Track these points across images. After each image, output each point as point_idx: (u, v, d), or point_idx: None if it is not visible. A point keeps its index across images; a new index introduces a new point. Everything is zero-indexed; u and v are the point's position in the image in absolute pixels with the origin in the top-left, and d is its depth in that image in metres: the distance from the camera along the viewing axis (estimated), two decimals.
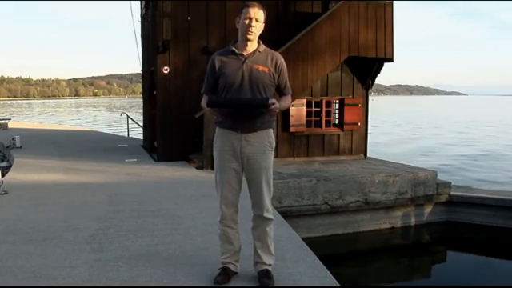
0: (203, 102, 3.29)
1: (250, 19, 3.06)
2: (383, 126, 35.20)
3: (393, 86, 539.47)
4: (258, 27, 3.10)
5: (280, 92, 3.27)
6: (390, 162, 10.31)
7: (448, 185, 8.96)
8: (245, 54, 3.15)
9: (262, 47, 3.21)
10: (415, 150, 21.42)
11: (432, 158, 19.03)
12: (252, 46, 3.16)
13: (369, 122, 11.17)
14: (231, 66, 3.14)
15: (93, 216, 5.29)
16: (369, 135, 11.29)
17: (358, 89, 10.85)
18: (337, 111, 10.88)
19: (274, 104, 3.01)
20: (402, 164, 10.19)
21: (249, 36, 3.10)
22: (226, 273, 3.29)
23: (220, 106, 3.13)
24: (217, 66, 3.18)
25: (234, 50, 3.17)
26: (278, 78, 3.20)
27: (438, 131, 32.19)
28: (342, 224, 8.26)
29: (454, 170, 16.00)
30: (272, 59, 3.18)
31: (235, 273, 3.35)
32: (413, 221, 8.78)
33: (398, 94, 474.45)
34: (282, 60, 3.22)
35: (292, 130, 10.25)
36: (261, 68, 3.13)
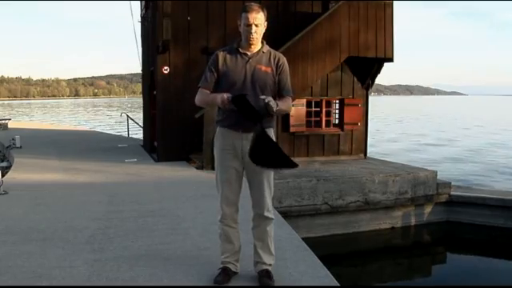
0: (197, 97, 3.25)
1: (250, 26, 3.06)
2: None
3: (393, 85, 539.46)
4: (258, 31, 3.10)
5: (279, 92, 3.19)
6: (390, 162, 10.32)
7: (448, 185, 8.96)
8: (249, 53, 3.15)
9: (266, 48, 3.20)
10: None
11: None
12: (256, 46, 3.17)
13: (369, 122, 11.18)
14: (235, 65, 3.14)
15: (93, 216, 5.29)
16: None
17: (358, 89, 10.85)
18: (337, 111, 10.89)
19: (269, 101, 2.91)
20: (402, 164, 10.20)
21: (251, 41, 3.11)
22: (225, 273, 3.29)
23: (240, 104, 2.98)
24: (220, 61, 3.17)
25: (238, 49, 3.17)
26: (279, 76, 3.18)
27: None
28: (342, 224, 8.26)
29: None
30: (274, 58, 3.18)
31: (235, 273, 3.34)
32: (413, 221, 8.78)
33: (398, 94, 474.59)
34: (284, 60, 3.21)
35: (292, 130, 10.25)
36: (264, 68, 3.13)
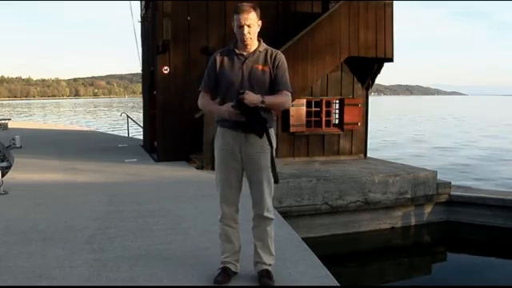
0: (200, 101, 3.27)
1: (242, 27, 3.06)
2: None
3: (393, 85, 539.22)
4: (252, 31, 3.09)
5: (274, 87, 3.14)
6: (390, 162, 10.32)
7: (448, 185, 8.96)
8: (245, 53, 3.15)
9: (263, 46, 3.20)
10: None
11: None
12: (253, 46, 3.16)
13: (369, 122, 11.18)
14: (231, 66, 3.14)
15: (93, 216, 5.29)
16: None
17: (358, 89, 10.85)
18: (337, 111, 10.89)
19: (246, 94, 2.90)
20: (402, 164, 10.20)
21: (245, 42, 3.11)
22: (225, 273, 3.29)
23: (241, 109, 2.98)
24: (218, 64, 3.18)
25: (234, 50, 3.17)
26: (275, 71, 3.15)
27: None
28: (342, 224, 8.26)
29: None
30: (271, 56, 3.16)
31: (235, 273, 3.35)
32: (413, 221, 8.77)
33: (398, 94, 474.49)
34: (281, 56, 3.19)
35: (292, 130, 10.25)
36: (261, 67, 3.13)
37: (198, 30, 9.84)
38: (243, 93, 2.92)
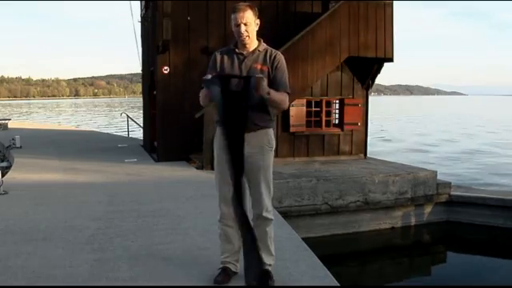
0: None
1: (239, 26, 3.07)
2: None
3: (393, 85, 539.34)
4: (249, 30, 3.10)
5: (273, 86, 3.11)
6: (390, 162, 10.32)
7: (448, 185, 8.96)
8: (244, 53, 3.16)
9: (263, 46, 3.20)
10: None
11: None
12: (252, 45, 3.17)
13: (369, 122, 11.18)
14: (231, 65, 3.16)
15: (93, 216, 5.29)
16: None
17: (358, 89, 10.85)
18: (337, 111, 10.89)
19: (262, 79, 2.85)
20: (402, 164, 10.19)
21: (243, 41, 3.12)
22: (225, 273, 3.30)
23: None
24: (218, 62, 3.20)
25: (234, 49, 3.18)
26: (274, 72, 3.15)
27: None
28: (342, 224, 8.26)
29: None
30: (270, 56, 3.17)
31: (235, 273, 3.35)
32: (413, 221, 8.77)
33: (398, 94, 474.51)
34: (280, 57, 3.19)
35: (292, 130, 10.25)
36: (259, 67, 3.13)
37: (198, 30, 9.84)
38: (261, 77, 2.85)
